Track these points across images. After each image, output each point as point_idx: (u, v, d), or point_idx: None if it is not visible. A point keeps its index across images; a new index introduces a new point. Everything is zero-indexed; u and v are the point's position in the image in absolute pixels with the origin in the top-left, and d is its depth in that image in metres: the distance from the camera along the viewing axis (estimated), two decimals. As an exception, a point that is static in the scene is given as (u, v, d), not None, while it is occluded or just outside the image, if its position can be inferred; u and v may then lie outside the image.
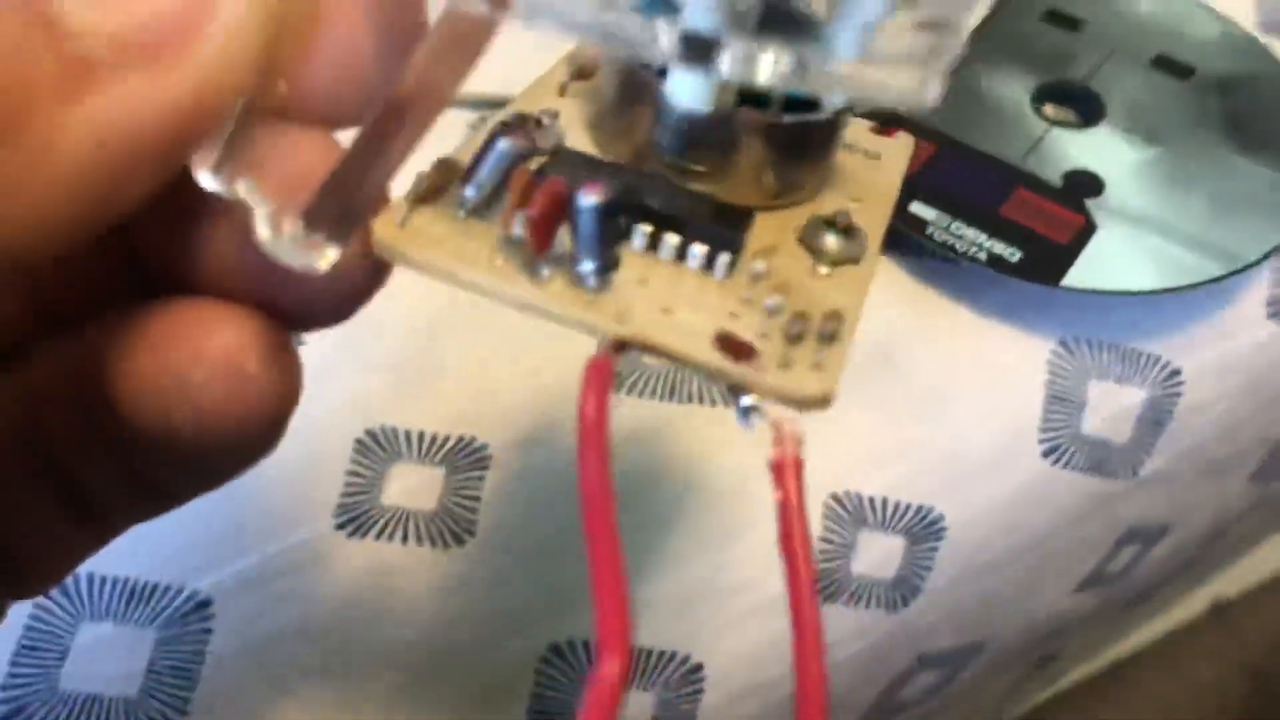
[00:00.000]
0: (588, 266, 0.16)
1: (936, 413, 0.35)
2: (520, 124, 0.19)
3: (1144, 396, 0.37)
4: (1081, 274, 0.35)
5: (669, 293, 0.17)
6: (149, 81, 0.13)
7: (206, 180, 0.15)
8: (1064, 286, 0.35)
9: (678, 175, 0.19)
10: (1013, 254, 0.35)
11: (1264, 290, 0.39)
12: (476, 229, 0.17)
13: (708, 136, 0.19)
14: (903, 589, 0.35)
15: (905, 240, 0.37)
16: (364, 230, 0.16)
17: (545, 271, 0.17)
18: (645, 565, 0.33)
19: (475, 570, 0.32)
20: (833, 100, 0.19)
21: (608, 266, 0.16)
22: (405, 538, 0.32)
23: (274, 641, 0.31)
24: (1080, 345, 0.37)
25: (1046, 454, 0.36)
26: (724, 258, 0.17)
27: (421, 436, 0.33)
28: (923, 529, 0.35)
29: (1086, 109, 0.40)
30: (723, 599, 0.33)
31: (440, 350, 0.34)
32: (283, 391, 0.16)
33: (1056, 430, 0.36)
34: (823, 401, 0.16)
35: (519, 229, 0.16)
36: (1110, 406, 0.37)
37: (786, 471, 0.16)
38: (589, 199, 0.16)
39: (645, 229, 0.18)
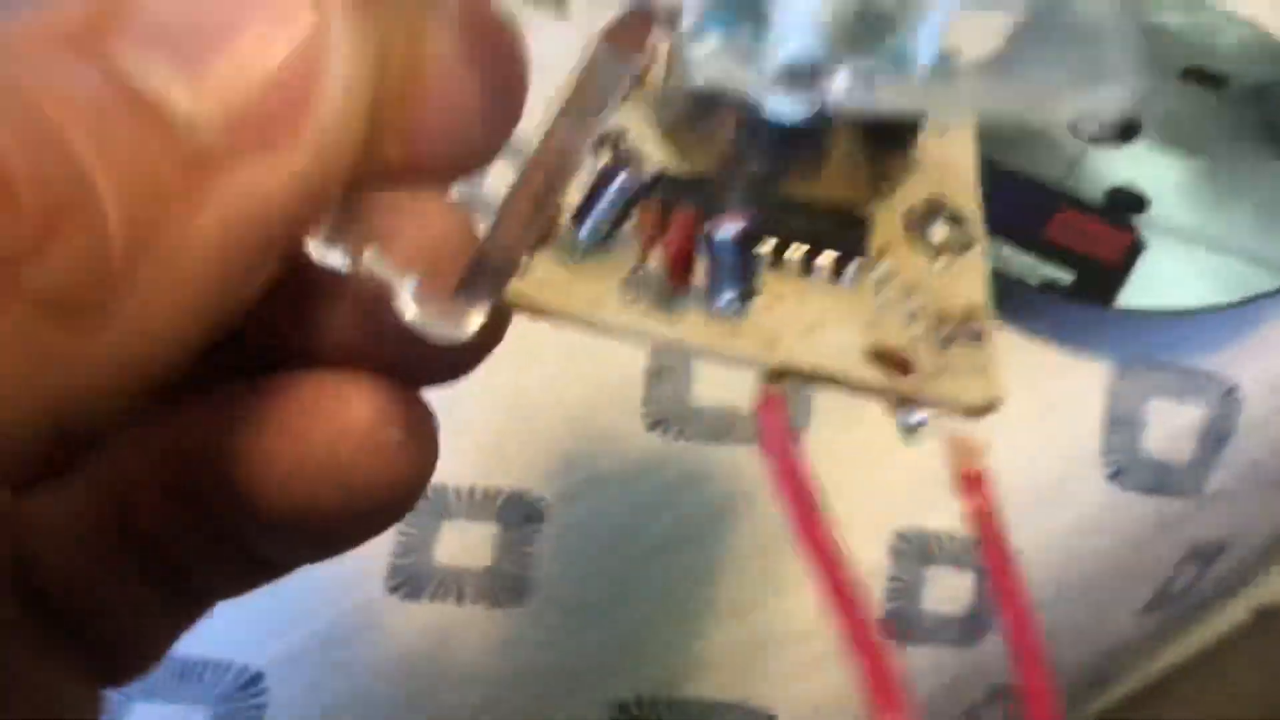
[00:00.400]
0: (728, 296, 0.16)
1: (997, 442, 0.35)
2: (626, 155, 0.18)
3: (1203, 413, 0.36)
4: (1134, 294, 0.34)
5: (806, 310, 0.16)
6: (269, 162, 0.12)
7: (326, 256, 0.14)
8: (1119, 309, 0.34)
9: (771, 181, 0.18)
10: (1063, 278, 0.35)
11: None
12: (598, 269, 0.16)
13: (801, 139, 0.18)
14: (974, 625, 0.34)
15: (950, 267, 0.36)
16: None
17: (680, 306, 0.16)
18: (707, 614, 0.32)
19: (534, 628, 0.31)
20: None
21: (747, 295, 0.16)
22: (460, 597, 0.31)
23: (330, 713, 0.30)
24: (1137, 365, 0.36)
25: (1110, 478, 0.35)
26: (852, 264, 0.17)
27: (472, 491, 0.32)
28: (990, 562, 0.34)
29: (1123, 125, 0.39)
30: (789, 647, 0.32)
31: (483, 399, 0.33)
32: (427, 457, 0.16)
33: (1118, 453, 0.35)
34: (992, 406, 0.16)
35: (654, 264, 0.16)
36: (1170, 426, 0.36)
37: (977, 483, 0.16)
38: (729, 230, 0.15)
39: (769, 243, 0.17)
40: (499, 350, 0.34)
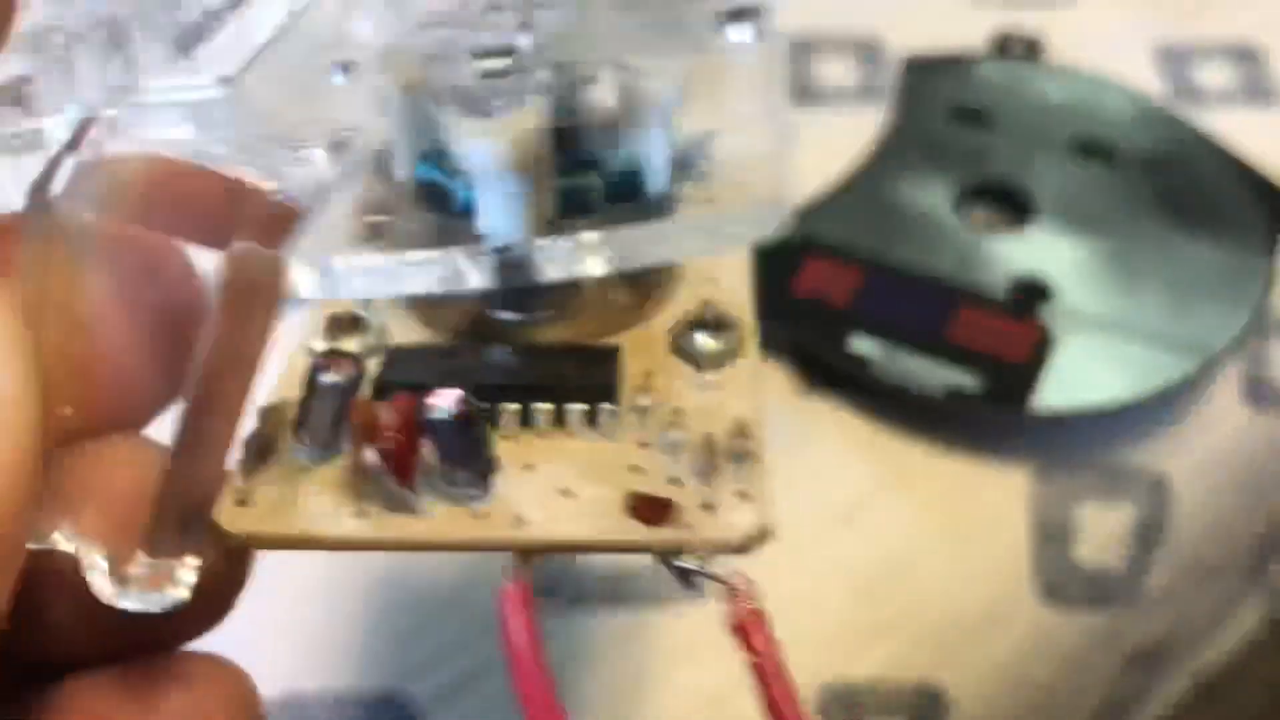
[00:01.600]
0: (463, 479, 0.15)
1: (916, 574, 0.32)
2: (335, 353, 0.17)
3: (1134, 511, 0.34)
4: (1048, 394, 0.32)
5: (559, 470, 0.16)
6: None
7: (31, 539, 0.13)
8: (1032, 413, 0.32)
9: (521, 328, 0.18)
10: (970, 383, 0.32)
11: (1235, 374, 0.36)
12: (328, 475, 0.16)
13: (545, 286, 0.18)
14: (913, 781, 0.31)
15: (848, 381, 0.34)
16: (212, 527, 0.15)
17: (418, 500, 0.15)
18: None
19: None
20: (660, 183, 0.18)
21: (486, 472, 0.15)
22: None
23: None
24: (1058, 469, 0.34)
25: (1042, 595, 0.32)
26: (606, 409, 0.16)
27: (337, 699, 0.28)
28: (926, 708, 0.31)
29: (1014, 207, 0.37)
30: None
31: (334, 588, 0.30)
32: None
33: (1049, 567, 0.33)
34: (763, 535, 0.15)
35: (375, 466, 0.15)
36: (1101, 529, 0.33)
37: (751, 627, 0.14)
38: (442, 412, 0.15)
39: (511, 408, 0.16)
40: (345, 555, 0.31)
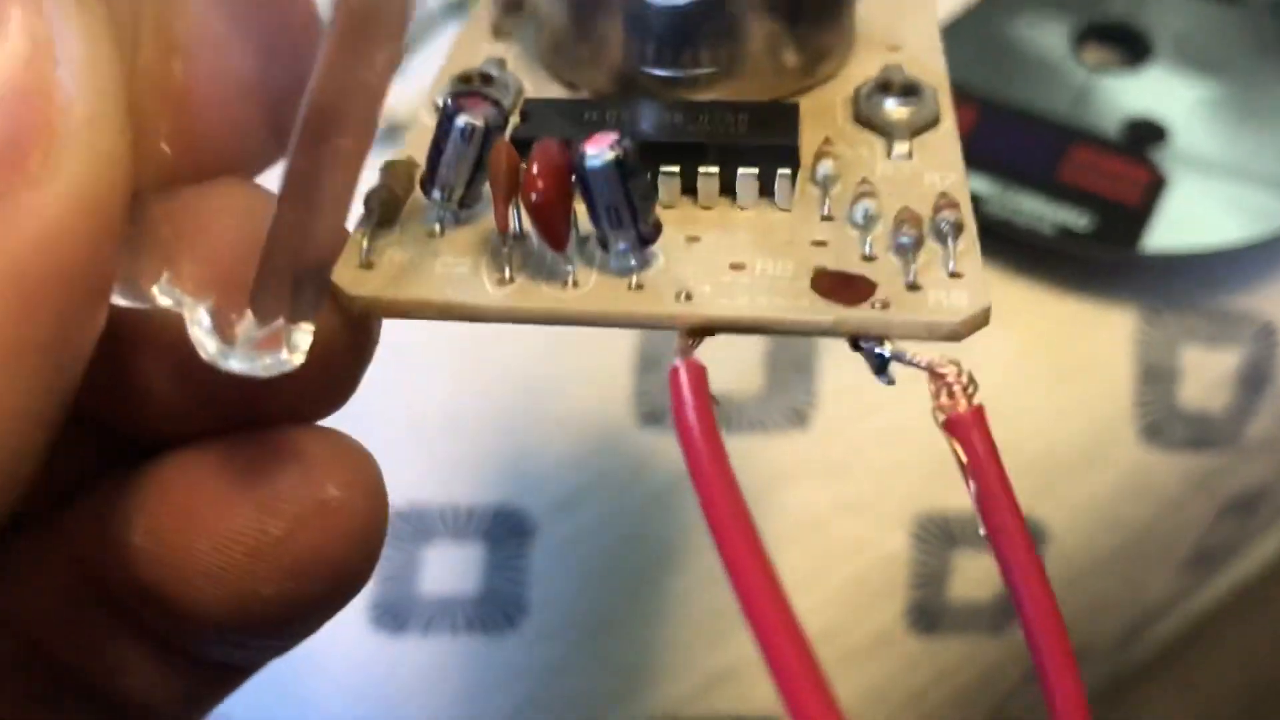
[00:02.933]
0: (623, 245, 0.13)
1: (1019, 409, 0.33)
2: (473, 93, 0.15)
3: (1240, 357, 0.34)
4: (1159, 236, 0.32)
5: (731, 242, 0.14)
6: (22, 194, 0.10)
7: (127, 294, 0.12)
8: (1142, 253, 0.32)
9: (678, 88, 0.16)
10: (1081, 222, 0.32)
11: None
12: (463, 239, 0.14)
13: (701, 27, 0.15)
14: (1005, 610, 0.32)
15: (957, 220, 0.34)
16: (330, 290, 0.13)
17: (569, 267, 0.13)
18: (722, 624, 0.30)
19: (533, 655, 0.29)
20: None
21: (647, 237, 0.13)
22: (452, 627, 0.29)
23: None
24: (1165, 311, 0.34)
25: (1143, 436, 0.33)
26: (783, 175, 0.14)
27: (455, 512, 0.30)
28: (1021, 540, 0.32)
29: (1132, 48, 0.37)
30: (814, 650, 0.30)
31: (453, 408, 0.31)
32: (375, 504, 0.14)
33: (1151, 409, 0.33)
34: (981, 318, 0.13)
35: (519, 224, 0.13)
36: (1205, 373, 0.34)
37: (969, 427, 0.13)
38: (599, 157, 0.13)
39: (670, 171, 0.14)
40: (461, 345, 0.32)
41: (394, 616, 0.29)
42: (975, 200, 0.33)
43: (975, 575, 0.32)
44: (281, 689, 0.28)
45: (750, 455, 0.31)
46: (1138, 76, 0.36)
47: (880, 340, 0.13)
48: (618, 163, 0.13)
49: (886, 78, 0.16)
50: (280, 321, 0.12)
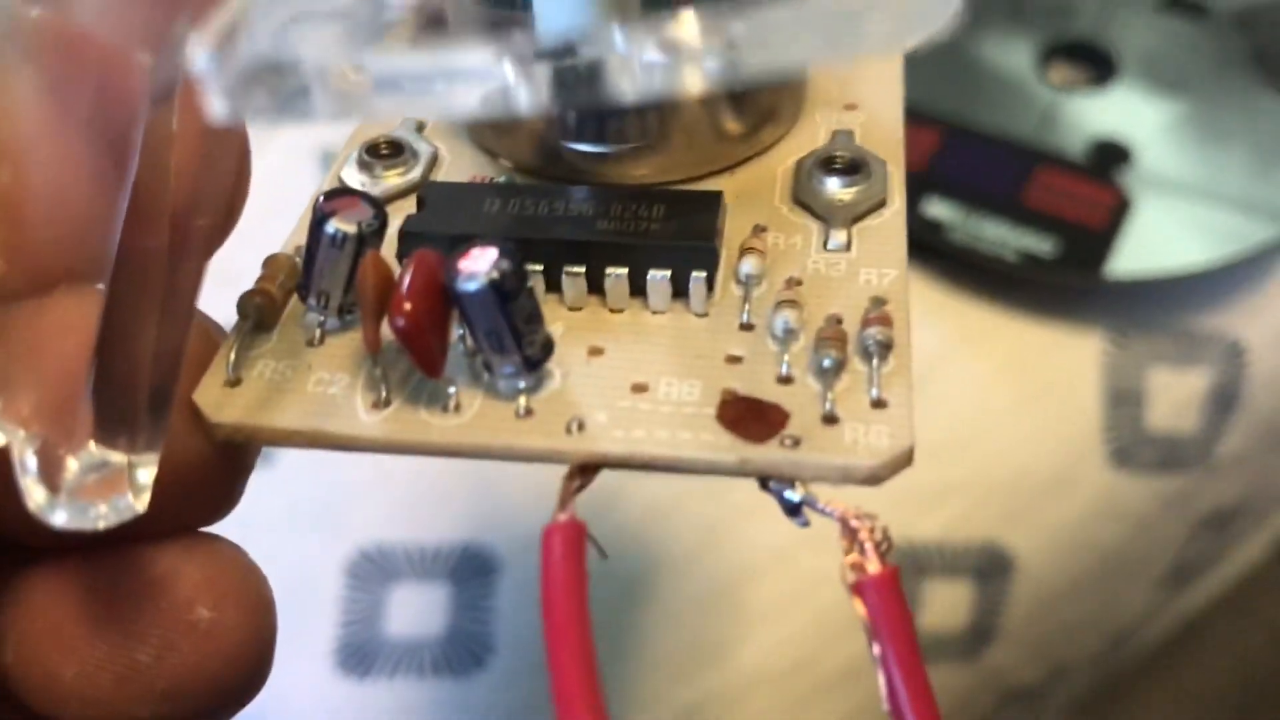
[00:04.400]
0: (508, 369, 0.12)
1: (986, 435, 0.33)
2: (345, 193, 0.13)
3: (1208, 378, 0.34)
4: (1124, 259, 0.32)
5: (636, 357, 0.13)
6: None
7: None
8: (1108, 278, 0.32)
9: (603, 164, 0.14)
10: (1045, 248, 0.33)
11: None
12: (342, 350, 0.13)
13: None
14: (979, 634, 0.32)
15: (923, 245, 0.34)
16: (184, 406, 0.12)
17: (450, 390, 0.12)
18: (688, 657, 0.30)
19: (501, 695, 0.30)
20: None
21: (534, 360, 0.12)
22: (419, 669, 0.29)
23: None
24: (1132, 334, 0.34)
25: (1112, 460, 0.33)
26: (698, 278, 0.13)
27: (421, 551, 0.30)
28: (990, 567, 0.32)
29: (1098, 66, 0.37)
30: (781, 683, 0.30)
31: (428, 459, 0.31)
32: (254, 621, 0.13)
33: (1120, 432, 0.33)
34: (900, 462, 0.12)
35: (396, 345, 0.12)
36: (1174, 395, 0.34)
37: (881, 592, 0.11)
38: (474, 280, 0.11)
39: (576, 270, 0.13)
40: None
41: (360, 660, 0.29)
42: (938, 227, 0.33)
43: (945, 604, 0.32)
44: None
45: (719, 489, 0.31)
46: (1103, 96, 0.36)
47: (790, 483, 0.12)
48: (493, 287, 0.11)
49: (832, 150, 0.15)
50: (121, 458, 0.11)
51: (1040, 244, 0.33)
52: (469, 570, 0.30)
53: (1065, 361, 0.34)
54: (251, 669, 0.13)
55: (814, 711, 0.31)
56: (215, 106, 0.10)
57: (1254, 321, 0.35)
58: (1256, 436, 0.36)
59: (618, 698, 0.30)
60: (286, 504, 0.31)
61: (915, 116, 0.35)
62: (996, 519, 0.32)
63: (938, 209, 0.34)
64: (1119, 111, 0.36)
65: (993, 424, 0.33)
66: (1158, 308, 0.34)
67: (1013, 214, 0.33)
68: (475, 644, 0.30)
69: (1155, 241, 0.33)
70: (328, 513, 0.31)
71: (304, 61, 0.10)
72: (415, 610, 0.30)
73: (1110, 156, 0.34)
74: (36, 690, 0.12)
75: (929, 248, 0.34)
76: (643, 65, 0.10)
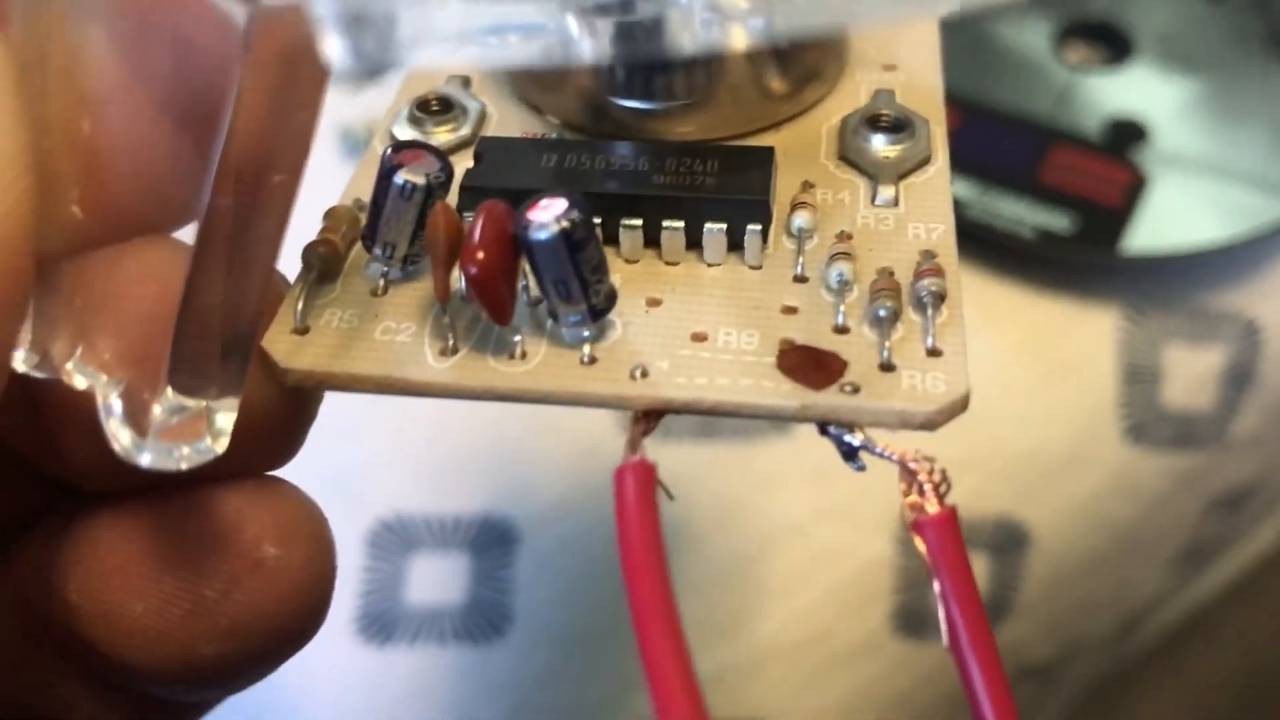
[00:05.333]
0: (573, 317, 0.12)
1: (1002, 411, 0.33)
2: (413, 145, 0.14)
3: (1223, 356, 0.35)
4: (1140, 236, 0.33)
5: (693, 308, 0.13)
6: None
7: (25, 365, 0.11)
8: (1124, 255, 0.32)
9: (651, 120, 0.15)
10: (1062, 224, 0.33)
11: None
12: (408, 299, 0.13)
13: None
14: (994, 609, 0.32)
15: (939, 222, 0.34)
16: (256, 356, 0.13)
17: (516, 338, 0.13)
18: (706, 628, 0.31)
19: (520, 664, 0.30)
20: None
21: (599, 309, 0.12)
22: (439, 638, 0.30)
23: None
24: (1148, 311, 0.34)
25: (1127, 436, 0.34)
26: (753, 231, 0.13)
27: (441, 521, 0.31)
28: (1006, 541, 0.32)
29: (1114, 46, 0.37)
30: (789, 657, 0.31)
31: (439, 417, 0.32)
32: (317, 561, 0.13)
33: (1135, 409, 0.34)
34: (957, 407, 0.12)
35: (462, 290, 0.12)
36: (1189, 373, 0.34)
37: (939, 530, 0.12)
38: (544, 229, 0.12)
39: (633, 224, 0.13)
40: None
41: (381, 628, 0.30)
42: (956, 204, 0.33)
43: (960, 578, 0.32)
44: (267, 702, 0.29)
45: (735, 463, 0.32)
46: (1119, 75, 0.36)
47: (849, 428, 0.12)
48: (564, 236, 0.12)
49: (876, 109, 0.15)
50: (200, 403, 0.11)
51: (1057, 221, 0.33)
52: (489, 540, 0.31)
53: (1081, 338, 0.34)
54: (313, 608, 0.13)
55: (830, 683, 0.31)
56: (331, 48, 0.10)
57: (1270, 300, 0.35)
58: (1271, 415, 0.36)
59: (635, 668, 0.30)
60: (307, 474, 0.31)
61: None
62: (1012, 494, 0.33)
63: (955, 187, 0.34)
64: (1135, 90, 0.36)
65: (1009, 400, 0.33)
66: (1174, 285, 0.35)
67: (1030, 191, 0.34)
68: (495, 613, 0.30)
69: (1171, 219, 0.33)
70: (348, 483, 0.31)
71: (402, 8, 0.10)
72: (435, 580, 0.30)
73: (1126, 135, 0.35)
74: (102, 627, 0.13)
75: (946, 225, 0.34)
76: (702, 20, 0.10)
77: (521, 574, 0.30)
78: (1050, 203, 0.33)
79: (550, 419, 0.32)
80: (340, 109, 0.37)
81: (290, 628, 0.13)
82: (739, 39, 0.11)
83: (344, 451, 0.31)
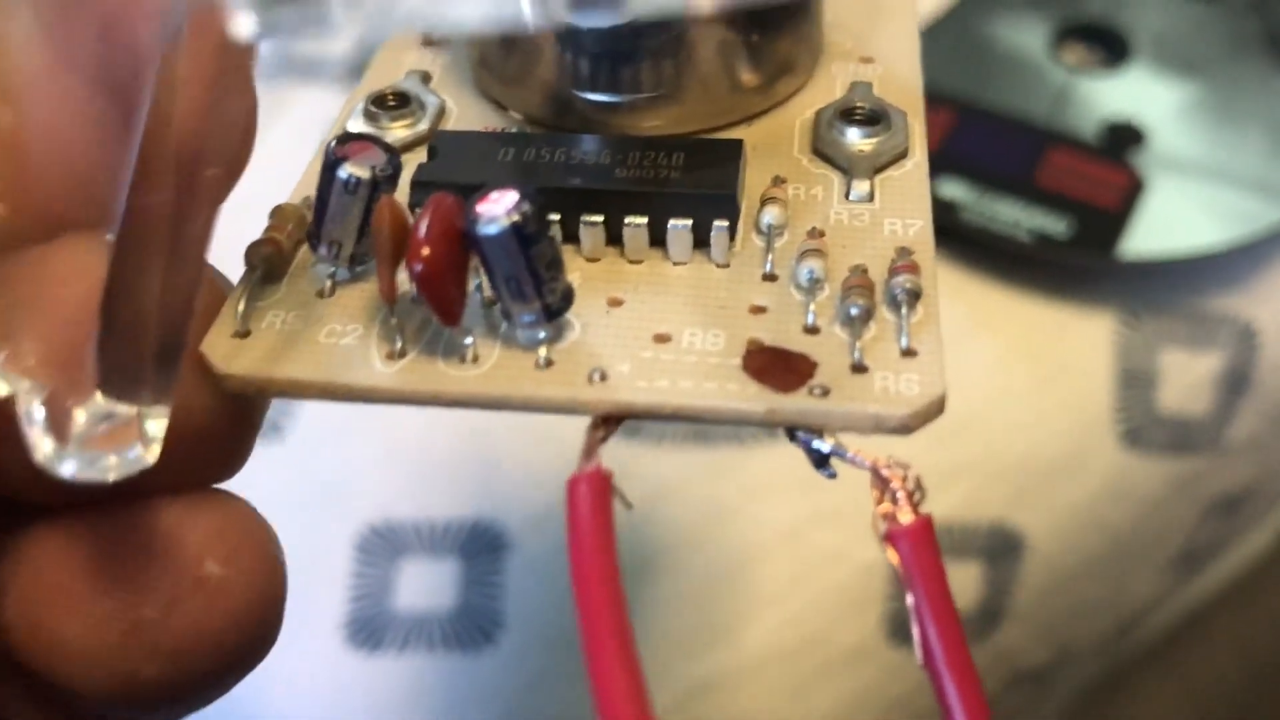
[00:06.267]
0: (527, 317, 0.12)
1: (997, 415, 0.33)
2: (359, 138, 0.13)
3: (1220, 360, 0.34)
4: (1137, 240, 0.32)
5: (656, 308, 0.12)
6: None
7: None
8: (1121, 259, 0.32)
9: (616, 115, 0.14)
10: (1058, 228, 0.33)
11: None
12: (355, 300, 0.13)
13: (642, 43, 0.14)
14: (988, 615, 0.32)
15: (936, 225, 0.34)
16: (193, 358, 0.12)
17: (467, 340, 0.12)
18: (698, 634, 0.30)
19: (510, 670, 0.30)
20: None
21: (555, 309, 0.12)
22: (428, 644, 0.30)
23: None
24: (1144, 315, 0.34)
25: (1123, 441, 0.33)
26: (719, 228, 0.13)
27: (431, 527, 0.31)
28: (1001, 546, 0.32)
29: (1111, 48, 0.37)
30: (790, 661, 0.31)
31: (428, 422, 0.31)
32: (264, 579, 0.13)
33: (1131, 413, 0.33)
34: (932, 410, 0.11)
35: (412, 295, 0.12)
36: (1185, 377, 0.34)
37: (913, 541, 0.11)
38: (494, 223, 0.11)
39: (594, 220, 0.13)
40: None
41: (369, 634, 0.29)
42: (951, 207, 0.33)
43: (955, 584, 0.32)
44: (253, 709, 0.29)
45: (727, 467, 0.31)
46: (1117, 77, 0.36)
47: (819, 433, 0.12)
48: (515, 230, 0.11)
49: (851, 101, 0.15)
50: (131, 410, 0.11)
51: (1054, 224, 0.33)
52: (478, 546, 0.30)
53: (1077, 342, 0.34)
54: (260, 629, 0.13)
55: (822, 690, 0.31)
56: (240, 23, 0.09)
57: (1267, 304, 0.35)
58: (1267, 421, 0.36)
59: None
60: (296, 479, 0.31)
61: (928, 97, 0.35)
62: (1007, 499, 0.32)
63: (951, 189, 0.34)
64: (1132, 93, 0.36)
65: (1004, 404, 0.33)
66: (1170, 289, 0.35)
67: (1026, 194, 0.33)
68: (484, 619, 0.30)
69: (1168, 222, 0.33)
70: (337, 488, 0.31)
71: None
72: (425, 585, 0.30)
73: (1124, 138, 0.35)
74: (39, 649, 0.12)
75: (941, 228, 0.34)
76: None
77: (511, 580, 0.30)
78: (1047, 206, 0.33)
79: (540, 425, 0.31)
80: (328, 108, 0.36)
81: (236, 650, 0.12)
82: (702, 3, 0.11)
83: (333, 457, 0.31)
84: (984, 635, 0.33)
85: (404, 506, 0.31)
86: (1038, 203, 0.33)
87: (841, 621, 0.31)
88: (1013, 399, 0.33)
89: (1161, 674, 0.48)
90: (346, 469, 0.31)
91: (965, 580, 0.32)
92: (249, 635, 0.12)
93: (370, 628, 0.30)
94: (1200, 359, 0.34)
